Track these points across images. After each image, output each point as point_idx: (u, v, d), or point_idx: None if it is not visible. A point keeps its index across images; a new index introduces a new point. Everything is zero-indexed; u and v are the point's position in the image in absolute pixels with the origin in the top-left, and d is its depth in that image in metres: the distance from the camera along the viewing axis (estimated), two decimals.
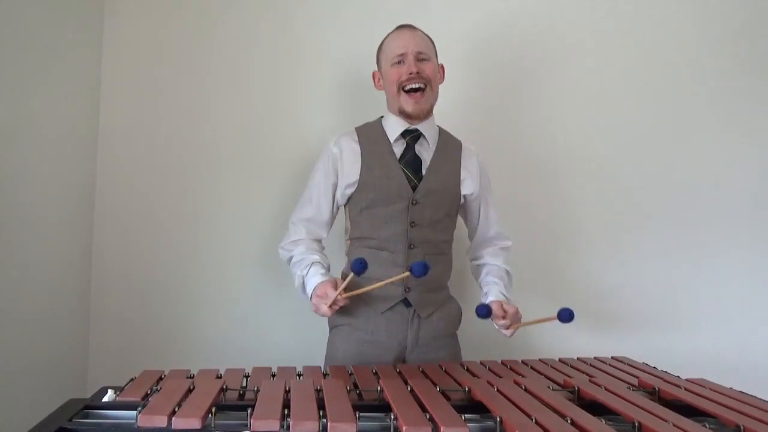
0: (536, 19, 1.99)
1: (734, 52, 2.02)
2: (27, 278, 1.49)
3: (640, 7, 2.01)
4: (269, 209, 1.86)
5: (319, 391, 1.01)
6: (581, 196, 1.98)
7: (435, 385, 1.10)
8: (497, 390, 1.07)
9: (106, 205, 1.83)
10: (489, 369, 1.33)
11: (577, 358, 1.46)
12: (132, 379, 1.13)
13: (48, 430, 0.87)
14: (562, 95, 1.99)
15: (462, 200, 1.57)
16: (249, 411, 0.88)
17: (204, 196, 1.87)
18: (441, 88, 1.56)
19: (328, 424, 0.85)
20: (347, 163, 1.51)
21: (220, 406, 0.93)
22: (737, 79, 2.02)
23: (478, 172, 1.59)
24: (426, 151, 1.53)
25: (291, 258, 1.53)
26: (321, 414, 0.88)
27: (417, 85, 1.47)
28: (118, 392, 1.06)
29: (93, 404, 0.99)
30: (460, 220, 1.64)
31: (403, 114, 1.51)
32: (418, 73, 1.47)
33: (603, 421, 0.92)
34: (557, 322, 1.34)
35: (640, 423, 0.91)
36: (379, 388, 1.05)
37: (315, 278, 1.43)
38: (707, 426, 0.92)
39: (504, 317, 1.41)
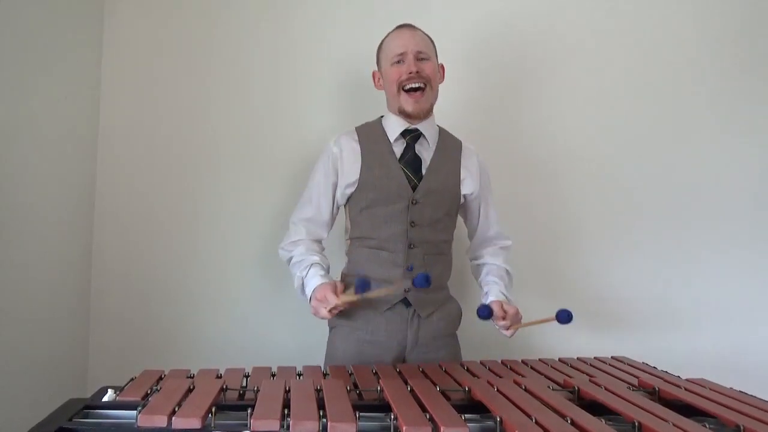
0: (536, 19, 1.99)
1: (734, 52, 2.02)
2: (27, 278, 1.49)
3: (640, 7, 2.02)
4: (269, 209, 1.86)
5: (319, 391, 1.01)
6: (581, 196, 1.98)
7: (435, 385, 1.10)
8: (497, 390, 1.07)
9: (106, 205, 1.83)
10: (489, 369, 1.33)
11: (577, 358, 1.46)
12: (132, 379, 1.13)
13: (48, 430, 0.87)
14: (562, 95, 1.99)
15: (462, 200, 1.57)
16: (249, 411, 0.88)
17: (204, 196, 1.87)
18: (441, 88, 1.56)
19: (328, 424, 0.85)
20: (347, 163, 1.51)
21: (220, 406, 0.93)
22: (737, 79, 2.02)
23: (478, 172, 1.59)
24: (426, 151, 1.53)
25: (291, 258, 1.53)
26: (321, 414, 0.88)
27: (417, 85, 1.47)
28: (118, 392, 1.06)
29: (93, 404, 0.99)
30: (460, 219, 1.64)
31: (403, 113, 1.51)
32: (418, 72, 1.47)
33: (603, 421, 0.92)
34: (556, 322, 1.34)
35: (640, 423, 0.91)
36: (379, 388, 1.05)
37: (314, 280, 1.43)
38: (707, 426, 0.92)
39: (504, 318, 1.42)
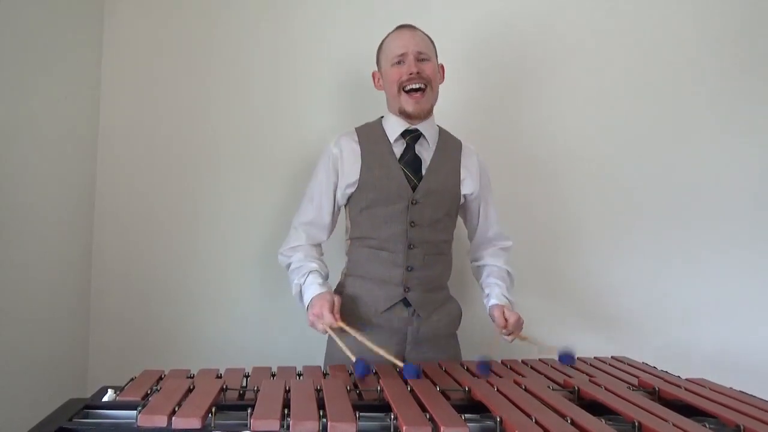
0: (536, 19, 1.99)
1: (734, 52, 2.02)
2: (27, 278, 1.49)
3: (640, 7, 2.01)
4: (269, 209, 1.87)
5: (319, 390, 1.01)
6: (581, 196, 1.98)
7: (435, 385, 1.10)
8: (497, 390, 1.07)
9: (106, 205, 1.83)
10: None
11: (577, 358, 1.45)
12: (132, 379, 1.13)
13: (48, 430, 0.87)
14: (562, 95, 1.99)
15: (462, 200, 1.57)
16: (249, 411, 0.88)
17: (204, 196, 1.87)
18: (441, 88, 1.56)
19: (328, 423, 0.85)
20: (347, 163, 1.51)
21: (220, 406, 0.93)
22: (737, 79, 2.02)
23: (478, 172, 1.59)
24: (426, 151, 1.53)
25: (289, 264, 1.52)
26: (321, 414, 0.88)
27: (417, 86, 1.47)
28: (118, 392, 1.06)
29: (93, 404, 0.99)
30: (460, 219, 1.64)
31: (404, 114, 1.51)
32: (418, 73, 1.47)
33: (603, 421, 0.92)
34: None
35: (640, 423, 0.91)
36: (379, 388, 1.05)
37: (312, 288, 1.43)
38: (707, 426, 0.92)
39: (506, 326, 1.41)
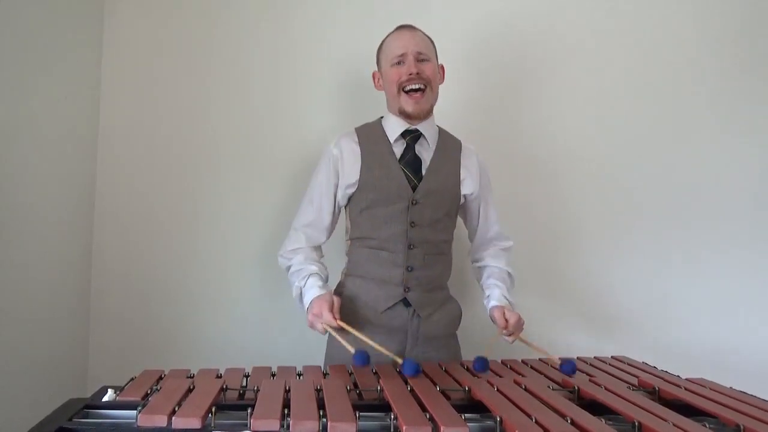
0: (536, 19, 1.99)
1: (734, 52, 2.02)
2: (27, 278, 1.49)
3: (640, 7, 2.02)
4: (269, 209, 1.87)
5: (319, 390, 1.01)
6: (581, 196, 1.98)
7: (435, 384, 1.10)
8: (497, 390, 1.07)
9: (106, 205, 1.83)
10: (489, 369, 1.33)
11: (577, 358, 1.45)
12: (132, 379, 1.13)
13: (48, 429, 0.87)
14: (562, 95, 1.99)
15: (462, 200, 1.57)
16: (249, 411, 0.88)
17: (204, 196, 1.87)
18: (441, 88, 1.56)
19: (328, 423, 0.85)
20: (347, 164, 1.51)
21: (220, 406, 0.93)
22: (737, 79, 2.02)
23: (478, 172, 1.59)
24: (426, 151, 1.53)
25: (290, 267, 1.52)
26: (321, 414, 0.88)
27: (417, 86, 1.47)
28: (118, 392, 1.06)
29: (93, 404, 0.99)
30: (460, 219, 1.64)
31: (403, 114, 1.50)
32: (418, 73, 1.47)
33: (603, 420, 0.92)
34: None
35: (640, 423, 0.91)
36: (379, 388, 1.05)
37: (312, 290, 1.43)
38: (707, 426, 0.92)
39: (506, 327, 1.41)
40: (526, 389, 1.08)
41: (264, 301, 1.86)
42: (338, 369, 1.28)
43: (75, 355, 1.75)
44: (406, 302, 1.48)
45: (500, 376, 1.24)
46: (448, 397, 1.05)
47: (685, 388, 1.15)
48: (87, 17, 1.80)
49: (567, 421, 0.90)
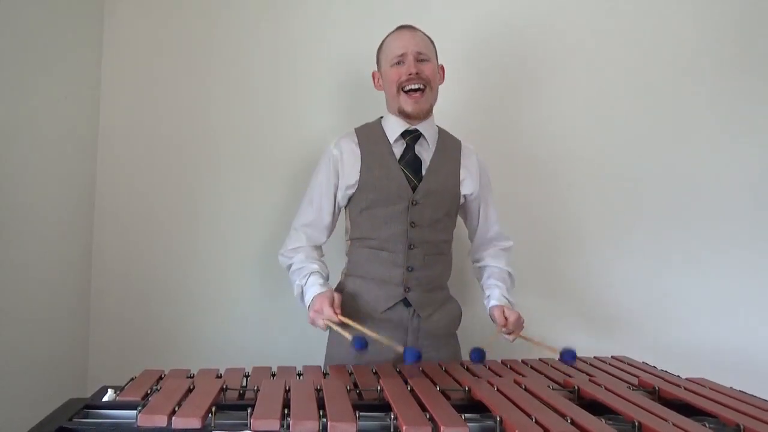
0: (536, 19, 1.99)
1: (734, 52, 2.02)
2: (27, 278, 1.49)
3: (640, 7, 2.01)
4: (269, 209, 1.87)
5: (319, 390, 1.01)
6: (581, 196, 1.98)
7: (435, 384, 1.10)
8: (497, 390, 1.07)
9: (106, 205, 1.83)
10: (489, 368, 1.33)
11: (577, 358, 1.45)
12: (132, 379, 1.13)
13: (48, 429, 0.87)
14: (562, 95, 1.99)
15: (462, 200, 1.57)
16: (249, 411, 0.88)
17: (204, 196, 1.87)
18: (441, 88, 1.56)
19: (328, 423, 0.85)
20: (347, 165, 1.51)
21: (220, 406, 0.93)
22: (737, 79, 2.02)
23: (478, 172, 1.59)
24: (426, 152, 1.53)
25: (290, 266, 1.52)
26: (321, 414, 0.88)
27: (416, 86, 1.47)
28: (118, 392, 1.06)
29: (93, 404, 0.99)
30: (460, 219, 1.64)
31: (403, 114, 1.50)
32: (417, 73, 1.47)
33: (603, 420, 0.92)
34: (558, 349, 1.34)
35: (640, 423, 0.91)
36: (379, 388, 1.05)
37: (313, 288, 1.43)
38: (707, 425, 0.92)
39: (506, 325, 1.42)
40: (526, 389, 1.08)
41: (264, 301, 1.86)
42: (338, 369, 1.28)
43: (75, 355, 1.75)
44: (406, 302, 1.48)
45: (500, 376, 1.24)
46: (448, 397, 1.05)
47: (685, 388, 1.14)
48: (87, 17, 1.80)
49: (567, 421, 0.90)
